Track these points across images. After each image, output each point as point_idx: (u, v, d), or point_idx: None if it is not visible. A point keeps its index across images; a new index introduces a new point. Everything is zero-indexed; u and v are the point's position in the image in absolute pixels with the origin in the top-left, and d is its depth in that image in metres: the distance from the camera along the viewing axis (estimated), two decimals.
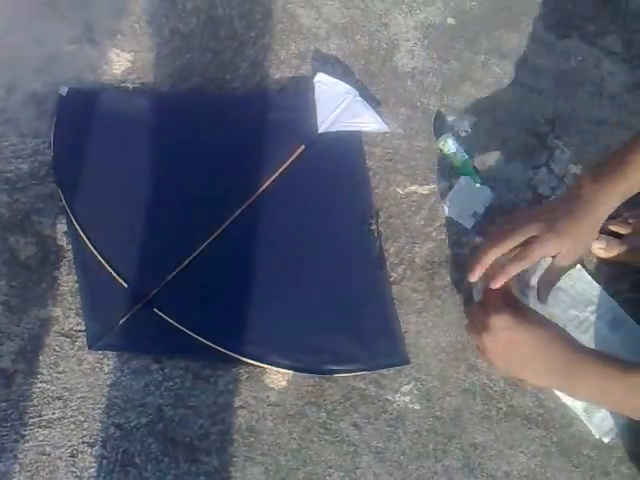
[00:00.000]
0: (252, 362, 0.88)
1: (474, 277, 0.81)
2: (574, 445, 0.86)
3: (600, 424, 0.86)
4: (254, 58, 1.03)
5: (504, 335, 0.76)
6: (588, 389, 0.74)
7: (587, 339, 0.88)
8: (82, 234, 0.91)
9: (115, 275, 0.89)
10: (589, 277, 0.92)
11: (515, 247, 0.80)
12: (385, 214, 0.96)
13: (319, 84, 1.00)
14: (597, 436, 0.86)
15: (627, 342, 0.85)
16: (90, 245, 0.91)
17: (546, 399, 0.88)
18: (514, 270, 0.80)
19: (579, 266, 0.92)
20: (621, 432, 0.86)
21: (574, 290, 0.91)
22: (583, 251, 0.82)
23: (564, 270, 0.85)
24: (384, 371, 0.88)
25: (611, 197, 0.78)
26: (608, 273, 0.92)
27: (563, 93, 1.03)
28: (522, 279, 0.88)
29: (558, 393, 0.88)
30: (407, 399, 0.88)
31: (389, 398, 0.88)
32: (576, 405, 0.87)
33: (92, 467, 0.83)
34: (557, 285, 0.86)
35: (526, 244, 0.80)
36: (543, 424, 0.87)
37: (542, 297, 0.86)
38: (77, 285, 0.90)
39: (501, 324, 0.76)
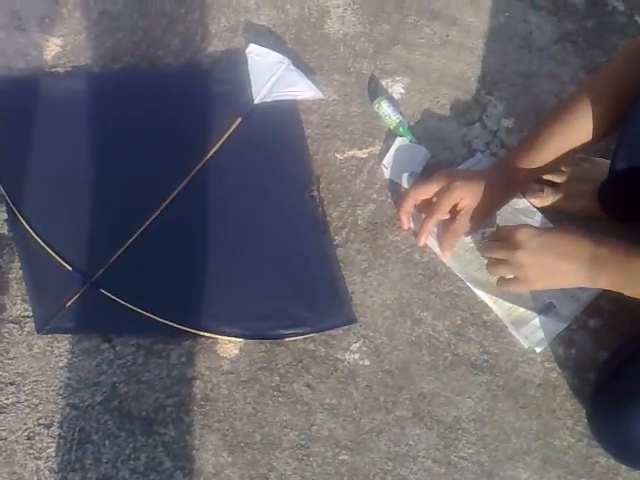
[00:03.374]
0: (203, 334, 0.89)
1: (404, 225, 0.93)
2: (519, 387, 0.90)
3: (528, 335, 0.89)
4: (185, 34, 1.03)
5: (536, 242, 0.79)
6: (612, 273, 0.76)
7: None
8: (23, 221, 0.91)
9: (58, 259, 0.90)
10: (534, 208, 0.94)
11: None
12: (326, 180, 0.98)
13: (252, 55, 1.00)
14: (526, 346, 0.90)
15: None
16: (31, 231, 0.91)
17: (490, 345, 0.91)
18: (431, 222, 0.88)
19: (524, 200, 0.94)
20: (560, 366, 0.90)
21: (516, 219, 0.94)
22: (491, 206, 0.88)
23: (468, 222, 0.88)
24: (333, 332, 0.90)
25: (522, 174, 0.85)
26: None
27: (493, 49, 1.05)
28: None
29: (490, 304, 0.91)
30: (357, 356, 0.90)
31: (339, 357, 0.90)
32: (504, 316, 0.90)
33: (50, 447, 0.84)
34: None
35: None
36: (488, 369, 0.90)
37: (445, 246, 0.90)
38: (21, 272, 0.90)
39: (528, 234, 0.80)
